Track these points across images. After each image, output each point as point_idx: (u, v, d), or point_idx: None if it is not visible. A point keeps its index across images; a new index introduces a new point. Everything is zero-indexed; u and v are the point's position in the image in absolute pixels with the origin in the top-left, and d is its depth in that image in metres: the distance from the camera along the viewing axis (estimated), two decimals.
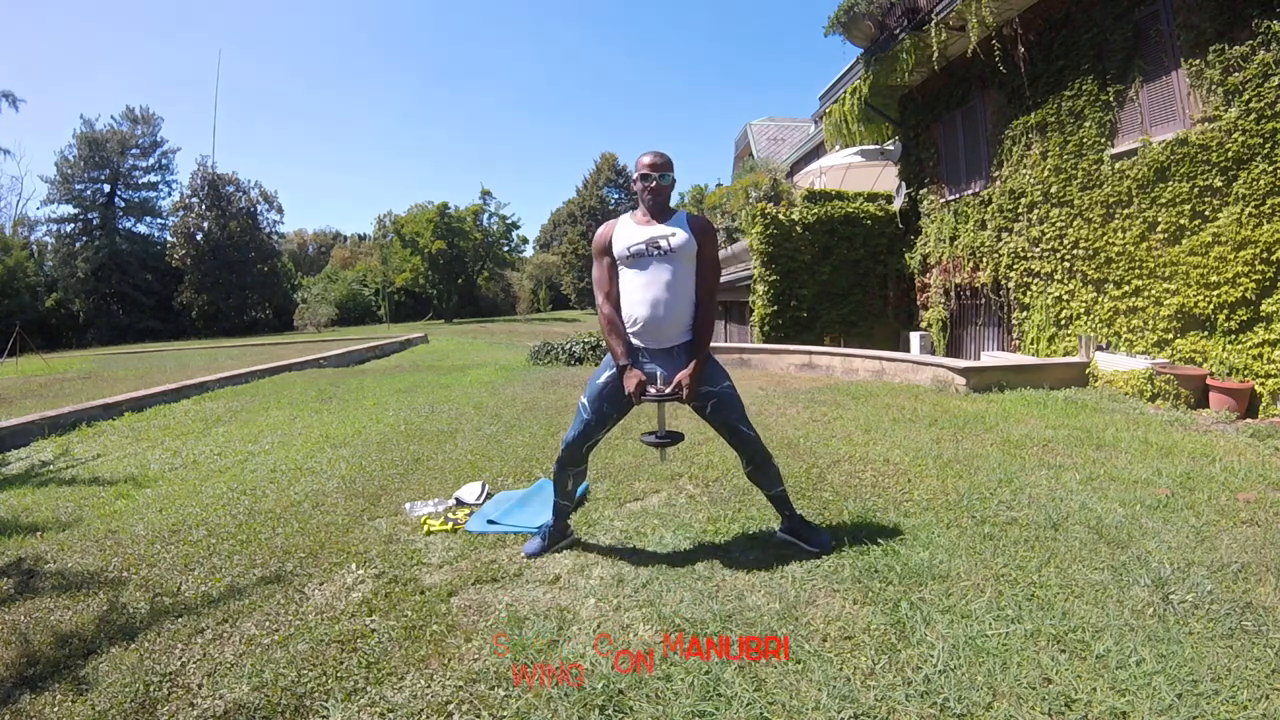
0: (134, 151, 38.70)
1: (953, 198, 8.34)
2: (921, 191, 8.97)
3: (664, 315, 2.35)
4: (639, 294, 2.37)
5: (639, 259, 2.37)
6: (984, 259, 7.69)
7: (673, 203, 2.59)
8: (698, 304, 2.42)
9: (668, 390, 2.34)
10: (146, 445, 5.20)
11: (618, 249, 2.41)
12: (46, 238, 38.09)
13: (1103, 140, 5.90)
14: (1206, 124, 4.90)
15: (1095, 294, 6.13)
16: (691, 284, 2.40)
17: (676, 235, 2.35)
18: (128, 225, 38.82)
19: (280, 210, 41.71)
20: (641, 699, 1.66)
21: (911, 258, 9.19)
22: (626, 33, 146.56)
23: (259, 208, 39.52)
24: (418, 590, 2.32)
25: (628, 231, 2.42)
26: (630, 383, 2.33)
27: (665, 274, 2.35)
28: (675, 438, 2.48)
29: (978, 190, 7.80)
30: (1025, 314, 7.12)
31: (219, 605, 2.29)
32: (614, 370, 2.41)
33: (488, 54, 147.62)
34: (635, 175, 2.47)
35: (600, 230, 2.50)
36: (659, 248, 2.35)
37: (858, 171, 11.65)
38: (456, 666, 1.85)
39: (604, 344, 9.77)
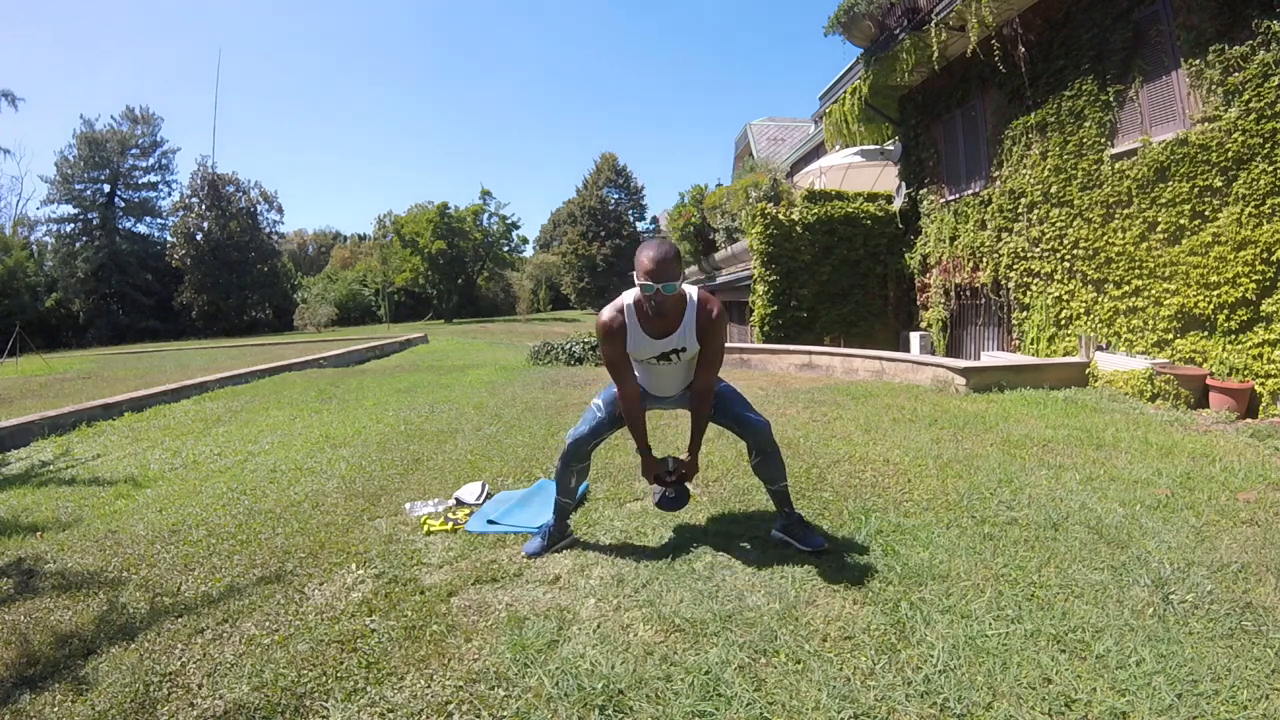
0: (134, 151, 38.72)
1: (953, 198, 8.34)
2: (921, 191, 8.97)
3: (671, 389, 2.62)
4: (648, 379, 2.57)
5: (651, 361, 2.48)
6: (984, 259, 7.69)
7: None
8: (700, 372, 2.48)
9: (672, 496, 2.53)
10: (146, 445, 5.20)
11: (629, 348, 2.44)
12: (46, 238, 38.18)
13: (1103, 140, 5.90)
14: (1206, 124, 4.90)
15: (1095, 294, 6.13)
16: (695, 365, 2.50)
17: (688, 350, 2.42)
18: (128, 225, 38.85)
19: (280, 210, 41.79)
20: (641, 699, 1.66)
21: (911, 258, 9.19)
22: (627, 33, 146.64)
23: (259, 208, 39.54)
24: (418, 590, 2.32)
25: (639, 340, 2.41)
26: (648, 474, 2.54)
27: (675, 370, 2.51)
28: (682, 498, 2.57)
29: (978, 190, 7.80)
30: (1025, 314, 7.12)
31: (219, 605, 2.28)
32: None
33: (488, 53, 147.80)
34: (637, 279, 2.26)
35: (606, 319, 2.39)
36: (669, 361, 2.46)
37: (858, 171, 11.65)
38: (456, 666, 1.85)
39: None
